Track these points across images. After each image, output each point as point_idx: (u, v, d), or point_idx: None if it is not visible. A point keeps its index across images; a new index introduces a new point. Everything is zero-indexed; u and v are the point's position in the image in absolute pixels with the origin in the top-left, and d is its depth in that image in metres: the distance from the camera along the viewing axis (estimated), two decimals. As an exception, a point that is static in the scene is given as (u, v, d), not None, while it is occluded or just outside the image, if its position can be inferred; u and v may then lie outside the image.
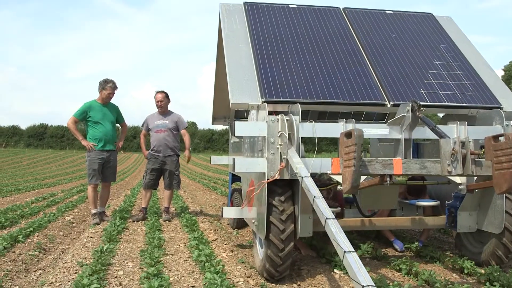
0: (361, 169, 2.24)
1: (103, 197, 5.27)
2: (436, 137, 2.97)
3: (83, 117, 5.01)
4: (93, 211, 5.13)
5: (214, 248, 3.90)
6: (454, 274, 3.25)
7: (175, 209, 6.42)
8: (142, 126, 5.57)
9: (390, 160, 2.39)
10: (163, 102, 5.35)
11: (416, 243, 3.87)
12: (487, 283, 2.93)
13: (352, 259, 1.84)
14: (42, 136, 67.30)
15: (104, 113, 5.03)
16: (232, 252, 3.87)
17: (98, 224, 4.99)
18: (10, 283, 2.97)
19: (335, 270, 3.25)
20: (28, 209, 6.11)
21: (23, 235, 4.09)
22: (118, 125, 5.42)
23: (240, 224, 4.96)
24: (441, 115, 4.52)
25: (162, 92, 5.40)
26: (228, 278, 2.88)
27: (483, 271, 3.10)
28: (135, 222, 5.23)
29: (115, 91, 5.10)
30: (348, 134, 2.31)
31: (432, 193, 3.98)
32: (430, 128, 2.74)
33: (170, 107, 5.51)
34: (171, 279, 2.94)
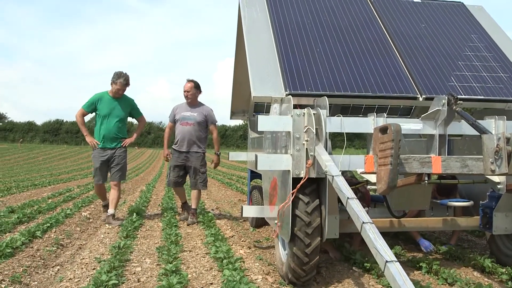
0: (398, 167, 2.07)
1: (111, 198, 4.81)
2: (472, 133, 2.78)
3: (92, 109, 4.68)
4: (104, 202, 5.08)
5: (231, 245, 3.83)
6: (475, 272, 3.15)
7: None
8: (170, 117, 5.06)
9: (429, 157, 2.21)
10: (190, 92, 4.84)
11: (442, 246, 3.67)
12: (509, 283, 2.84)
13: (396, 270, 1.66)
14: (58, 132, 68.54)
15: (113, 107, 4.67)
16: (250, 249, 3.79)
17: (110, 224, 4.72)
18: (29, 279, 2.93)
19: (353, 268, 3.18)
20: (45, 204, 6.12)
21: (41, 231, 4.06)
22: (135, 119, 5.27)
23: (259, 222, 4.83)
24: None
25: (191, 81, 4.90)
26: (246, 275, 2.81)
27: (504, 270, 3.00)
28: (184, 221, 5.01)
29: (126, 88, 4.70)
30: (384, 129, 2.14)
31: (462, 192, 3.77)
32: (469, 123, 2.55)
33: None
34: (189, 276, 2.89)
